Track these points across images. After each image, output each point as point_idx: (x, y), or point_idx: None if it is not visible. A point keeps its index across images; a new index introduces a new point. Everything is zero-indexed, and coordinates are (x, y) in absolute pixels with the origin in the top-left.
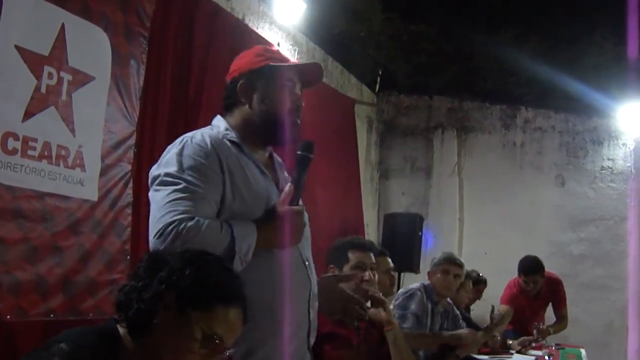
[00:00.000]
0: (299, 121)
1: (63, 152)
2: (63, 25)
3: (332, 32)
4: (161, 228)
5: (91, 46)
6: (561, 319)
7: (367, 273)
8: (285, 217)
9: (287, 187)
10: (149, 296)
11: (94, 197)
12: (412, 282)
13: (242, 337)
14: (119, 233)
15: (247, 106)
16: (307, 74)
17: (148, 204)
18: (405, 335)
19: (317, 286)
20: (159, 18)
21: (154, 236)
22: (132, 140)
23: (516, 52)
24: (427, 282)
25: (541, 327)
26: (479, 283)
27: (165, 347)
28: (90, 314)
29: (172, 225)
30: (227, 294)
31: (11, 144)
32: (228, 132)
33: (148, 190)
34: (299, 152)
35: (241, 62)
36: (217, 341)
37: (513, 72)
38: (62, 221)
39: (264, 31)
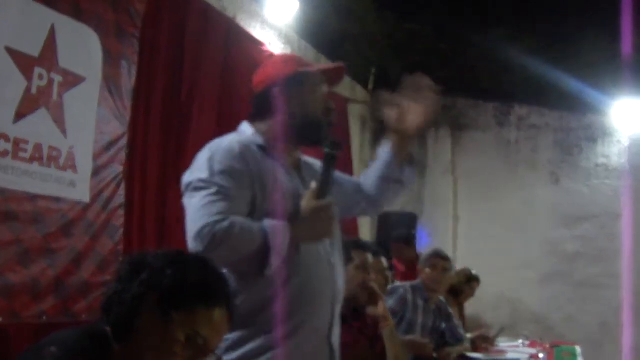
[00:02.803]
0: (332, 121)
1: (54, 154)
2: (53, 26)
3: (324, 31)
4: (197, 231)
5: (82, 47)
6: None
7: (371, 275)
8: (310, 212)
9: (313, 184)
10: (129, 299)
11: (86, 199)
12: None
13: (261, 332)
14: (111, 234)
15: (281, 111)
16: (331, 74)
17: (140, 204)
18: None
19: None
20: (150, 18)
21: (192, 239)
22: (124, 141)
23: (510, 50)
24: (415, 282)
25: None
26: (472, 281)
27: (149, 350)
28: (83, 316)
29: (208, 227)
30: (210, 294)
31: (2, 145)
32: (255, 137)
33: (140, 190)
34: (326, 150)
35: (270, 71)
36: (201, 343)
37: (507, 70)
38: (54, 223)
39: (256, 30)
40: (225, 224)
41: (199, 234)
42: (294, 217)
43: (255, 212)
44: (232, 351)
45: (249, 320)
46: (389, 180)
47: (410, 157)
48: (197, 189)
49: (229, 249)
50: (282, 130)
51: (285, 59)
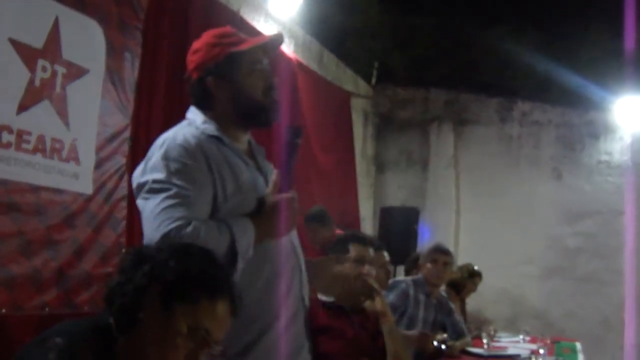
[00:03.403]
0: (275, 99)
1: (57, 145)
2: (57, 18)
3: (328, 25)
4: (160, 239)
5: (85, 39)
6: None
7: (366, 267)
8: (280, 207)
9: (275, 175)
10: (132, 290)
11: (89, 191)
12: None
13: (242, 331)
14: (114, 226)
15: (222, 99)
16: (268, 45)
17: None
18: None
19: (313, 268)
20: (153, 10)
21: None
22: (127, 133)
23: (513, 46)
24: (417, 276)
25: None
26: (474, 276)
27: (151, 343)
28: (86, 307)
29: (171, 234)
30: (213, 286)
31: (5, 137)
32: (206, 124)
33: None
34: (287, 140)
35: (199, 57)
36: (204, 335)
37: (510, 65)
38: (57, 214)
39: (260, 24)
40: (189, 230)
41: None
42: (257, 211)
43: (217, 210)
44: None
45: None
46: None
47: None
48: (154, 190)
49: None
50: (227, 116)
51: (214, 40)
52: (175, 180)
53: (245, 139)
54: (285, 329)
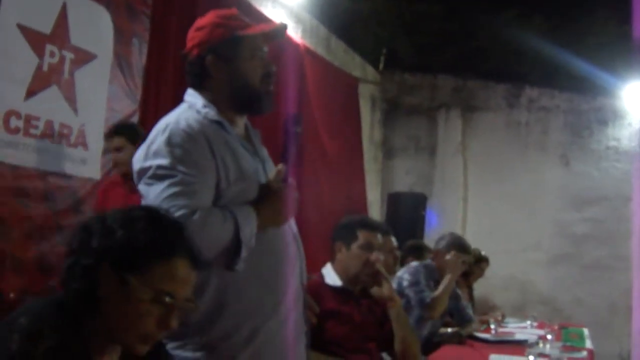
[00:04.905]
0: (271, 87)
1: (65, 131)
2: (65, 4)
3: (335, 10)
4: None
5: (93, 24)
6: None
7: (374, 254)
8: (284, 195)
9: (280, 166)
10: (82, 272)
11: (97, 176)
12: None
13: (246, 317)
14: None
15: (219, 80)
16: (272, 33)
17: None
18: None
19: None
20: None
21: None
22: (135, 119)
23: (520, 31)
24: (427, 262)
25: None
26: (482, 261)
27: (117, 318)
28: None
29: None
30: (164, 248)
31: (13, 122)
32: (207, 109)
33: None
34: (289, 128)
35: (202, 35)
36: (167, 298)
37: (517, 52)
38: (65, 200)
39: (267, 9)
40: (195, 217)
41: None
42: (260, 199)
43: (220, 197)
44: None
45: (221, 310)
46: None
47: None
48: (158, 176)
49: (199, 243)
50: (224, 100)
51: (219, 21)
52: (179, 167)
53: (242, 123)
54: (288, 314)
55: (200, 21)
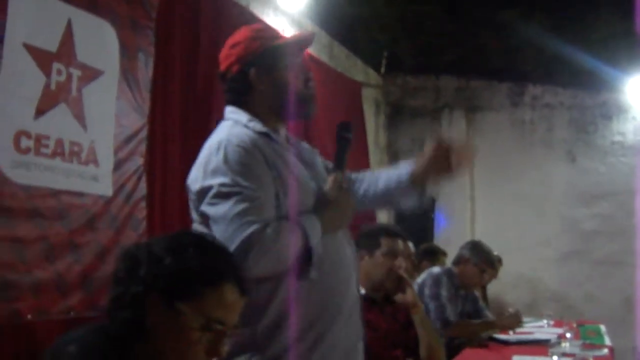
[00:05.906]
0: (314, 91)
1: (76, 149)
2: (70, 21)
3: (336, 16)
4: (240, 244)
5: (99, 40)
6: None
7: (399, 260)
8: (343, 202)
9: (335, 174)
10: (130, 301)
11: (109, 192)
12: None
13: (311, 324)
14: (135, 227)
15: (263, 92)
16: (302, 42)
17: (162, 195)
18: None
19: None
20: (164, 9)
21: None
22: (144, 133)
23: (522, 29)
24: (449, 267)
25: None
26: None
27: (167, 346)
28: None
29: (252, 238)
30: (212, 275)
31: (24, 142)
32: (253, 122)
33: (161, 182)
34: (338, 134)
35: (240, 50)
36: (217, 325)
37: (519, 49)
38: (78, 218)
39: (269, 17)
40: (269, 231)
41: (244, 248)
42: (320, 207)
43: (279, 207)
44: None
45: (286, 320)
46: (389, 198)
47: (423, 190)
48: (222, 195)
49: (276, 256)
50: (266, 110)
51: (254, 34)
52: (242, 183)
53: (283, 132)
54: (350, 317)
55: (233, 39)
